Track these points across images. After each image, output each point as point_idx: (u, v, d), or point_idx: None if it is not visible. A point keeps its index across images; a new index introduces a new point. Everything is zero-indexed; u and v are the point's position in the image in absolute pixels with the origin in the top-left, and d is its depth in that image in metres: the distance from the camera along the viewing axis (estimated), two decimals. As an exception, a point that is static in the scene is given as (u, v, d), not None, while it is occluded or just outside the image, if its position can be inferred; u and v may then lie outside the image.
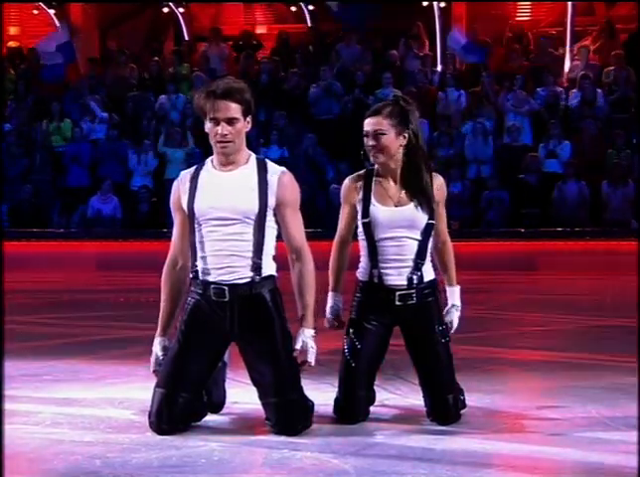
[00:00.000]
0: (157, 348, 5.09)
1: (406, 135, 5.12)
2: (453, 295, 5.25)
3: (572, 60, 19.81)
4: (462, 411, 5.23)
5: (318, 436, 4.91)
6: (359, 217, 5.20)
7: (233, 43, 21.30)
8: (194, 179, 5.04)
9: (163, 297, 5.17)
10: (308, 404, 5.04)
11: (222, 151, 4.99)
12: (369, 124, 5.15)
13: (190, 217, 5.02)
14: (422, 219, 5.13)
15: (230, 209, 4.95)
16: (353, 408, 5.17)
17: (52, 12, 22.03)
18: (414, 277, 5.14)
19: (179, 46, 21.77)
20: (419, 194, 5.13)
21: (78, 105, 19.50)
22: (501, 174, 17.34)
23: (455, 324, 5.21)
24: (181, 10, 21.93)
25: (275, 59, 20.36)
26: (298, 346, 4.98)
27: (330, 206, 17.75)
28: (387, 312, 5.14)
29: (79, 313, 10.32)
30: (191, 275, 5.09)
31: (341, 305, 5.25)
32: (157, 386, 5.00)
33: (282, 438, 4.86)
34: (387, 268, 5.15)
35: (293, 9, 21.44)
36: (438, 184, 5.19)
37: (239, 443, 4.81)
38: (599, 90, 18.55)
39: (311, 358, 4.99)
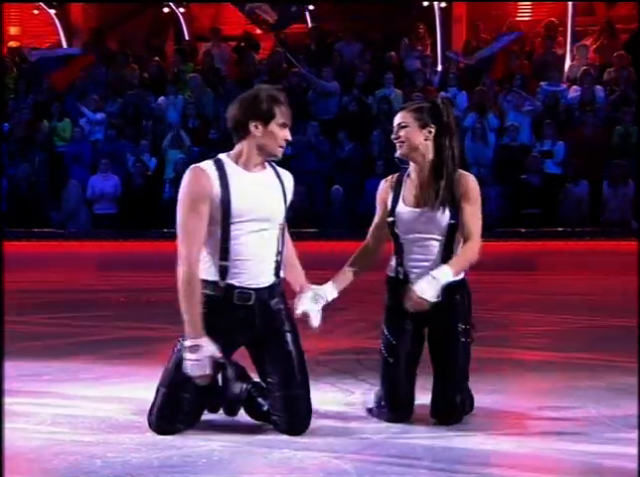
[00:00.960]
0: (212, 348, 4.84)
1: (432, 130, 5.15)
2: (439, 270, 5.08)
3: (572, 59, 19.84)
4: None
5: (318, 436, 4.91)
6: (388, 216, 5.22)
7: (235, 44, 21.34)
8: (223, 175, 4.95)
9: (194, 297, 4.90)
10: (311, 406, 5.02)
11: (278, 154, 5.01)
12: (396, 119, 5.26)
13: (223, 214, 4.90)
14: (443, 219, 5.13)
15: (269, 212, 4.95)
16: (400, 405, 5.18)
17: (52, 12, 22.05)
18: None
19: (180, 45, 21.79)
20: (441, 193, 5.13)
21: (77, 106, 19.53)
22: (501, 174, 17.35)
23: (422, 289, 4.99)
24: (181, 10, 21.96)
25: (275, 58, 20.38)
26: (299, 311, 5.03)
27: (330, 206, 17.82)
28: None
29: (78, 313, 10.32)
30: (205, 275, 4.96)
31: (324, 295, 5.16)
32: (161, 385, 5.00)
33: (283, 437, 4.88)
34: (412, 268, 5.18)
35: (293, 9, 21.41)
36: (465, 183, 5.18)
37: (239, 443, 4.81)
38: (600, 88, 18.59)
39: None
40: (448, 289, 5.10)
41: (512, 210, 17.11)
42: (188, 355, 4.82)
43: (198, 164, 5.03)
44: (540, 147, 17.70)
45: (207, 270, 4.96)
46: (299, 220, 16.13)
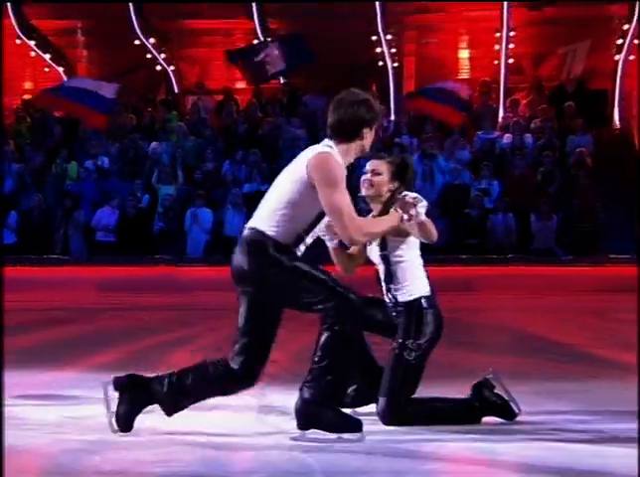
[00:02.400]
0: None
1: (396, 185, 5.21)
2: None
3: (505, 111, 19.99)
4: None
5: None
6: None
7: (216, 97, 21.40)
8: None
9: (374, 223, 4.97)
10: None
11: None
12: (371, 164, 5.28)
13: None
14: (375, 250, 5.21)
15: None
16: None
17: (60, 69, 22.04)
18: (389, 297, 5.20)
19: (166, 97, 21.82)
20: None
21: (83, 150, 19.49)
22: (445, 209, 17.37)
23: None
24: (172, 68, 21.99)
25: (252, 109, 20.42)
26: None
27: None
28: None
29: (81, 327, 10.28)
30: (281, 238, 4.78)
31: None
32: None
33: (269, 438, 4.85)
34: (381, 287, 5.29)
35: (268, 67, 21.48)
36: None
37: (230, 440, 4.78)
38: (528, 135, 18.74)
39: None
40: (396, 310, 5.15)
41: (455, 239, 17.13)
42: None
43: (329, 151, 4.81)
44: (478, 186, 17.78)
45: (285, 234, 4.80)
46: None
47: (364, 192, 5.24)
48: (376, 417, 5.13)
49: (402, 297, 5.18)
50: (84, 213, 18.02)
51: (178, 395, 4.88)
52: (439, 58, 21.87)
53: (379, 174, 5.23)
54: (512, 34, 20.21)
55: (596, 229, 16.66)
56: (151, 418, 5.26)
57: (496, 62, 20.63)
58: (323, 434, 4.75)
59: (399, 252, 5.19)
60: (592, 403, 5.68)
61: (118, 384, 4.88)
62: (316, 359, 4.76)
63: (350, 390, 5.23)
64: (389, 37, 20.53)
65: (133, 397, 4.86)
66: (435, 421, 5.10)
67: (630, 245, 16.03)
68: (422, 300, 5.17)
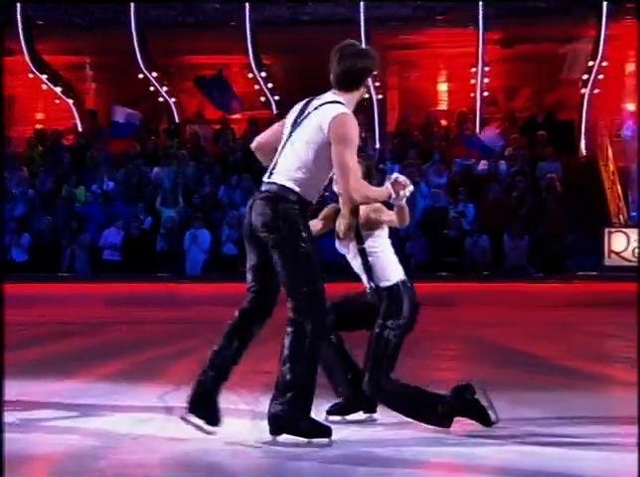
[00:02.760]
0: None
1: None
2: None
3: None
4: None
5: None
6: None
7: (214, 126, 21.44)
8: None
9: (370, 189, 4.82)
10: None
11: None
12: None
13: None
14: (352, 246, 5.21)
15: None
16: None
17: (70, 101, 22.04)
18: (371, 285, 5.19)
19: (168, 126, 21.83)
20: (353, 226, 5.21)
21: (90, 176, 19.47)
22: (426, 230, 17.36)
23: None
24: (173, 99, 22.01)
25: (247, 138, 20.45)
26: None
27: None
28: None
29: (89, 339, 10.23)
30: (307, 195, 4.69)
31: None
32: None
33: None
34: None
35: (262, 99, 21.55)
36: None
37: (231, 444, 4.75)
38: (502, 162, 18.79)
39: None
40: (378, 296, 5.17)
41: (434, 258, 17.13)
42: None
43: (348, 111, 4.69)
44: (455, 208, 17.80)
45: (307, 190, 4.70)
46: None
47: (335, 188, 5.16)
48: (360, 425, 5.11)
49: (383, 284, 5.18)
50: (91, 234, 17.98)
51: None
52: (420, 90, 21.96)
53: None
54: (486, 69, 20.31)
55: (563, 248, 16.68)
56: (153, 425, 5.23)
57: (472, 94, 20.71)
58: (295, 439, 4.70)
59: (374, 245, 5.20)
60: (565, 411, 5.67)
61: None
62: (282, 369, 4.68)
63: (339, 400, 5.23)
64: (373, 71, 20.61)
65: None
66: (413, 408, 5.11)
67: (596, 263, 16.09)
68: (400, 284, 5.19)
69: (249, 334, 4.87)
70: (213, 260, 17.21)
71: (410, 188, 4.88)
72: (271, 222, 4.61)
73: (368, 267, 5.19)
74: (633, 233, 16.35)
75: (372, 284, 5.21)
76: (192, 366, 7.68)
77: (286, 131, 4.78)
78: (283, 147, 4.73)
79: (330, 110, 4.66)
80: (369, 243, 5.20)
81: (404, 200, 4.91)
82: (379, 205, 5.08)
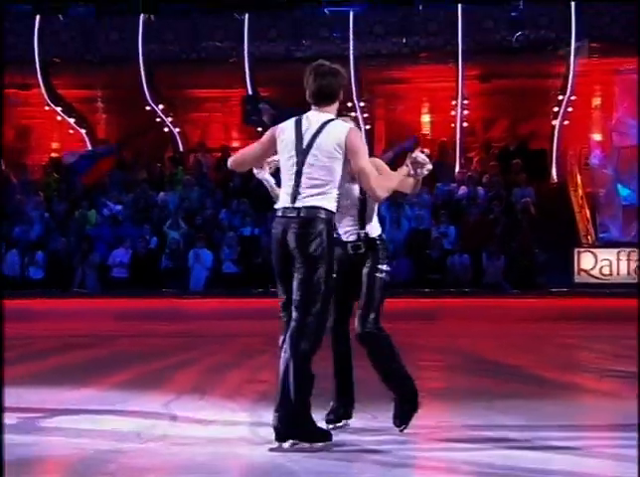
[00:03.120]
0: None
1: None
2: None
3: (461, 167, 20.11)
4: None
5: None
6: None
7: (215, 154, 21.49)
8: None
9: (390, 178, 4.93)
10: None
11: None
12: None
13: None
14: (356, 192, 5.15)
15: None
16: None
17: (83, 131, 22.08)
18: (362, 234, 5.21)
19: (173, 155, 21.85)
20: None
21: (100, 201, 19.49)
22: (410, 250, 17.43)
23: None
24: (177, 130, 22.05)
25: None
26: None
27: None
28: None
29: (99, 351, 10.20)
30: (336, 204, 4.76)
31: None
32: None
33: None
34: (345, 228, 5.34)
35: (260, 129, 21.58)
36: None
37: (228, 445, 4.74)
38: (480, 188, 18.85)
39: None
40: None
41: (418, 276, 17.17)
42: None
43: (352, 125, 4.74)
44: (437, 230, 17.85)
45: (332, 202, 4.68)
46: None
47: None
48: (350, 430, 5.12)
49: (372, 234, 5.24)
50: (100, 253, 17.97)
51: None
52: (405, 122, 22.05)
53: None
54: (465, 102, 20.40)
55: (536, 266, 16.72)
56: (158, 430, 5.22)
57: (452, 125, 20.79)
58: (299, 444, 4.71)
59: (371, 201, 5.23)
60: (537, 418, 5.66)
61: None
62: (280, 385, 4.64)
63: (331, 409, 5.23)
64: (361, 104, 20.66)
65: None
66: (390, 365, 5.12)
67: (566, 281, 16.12)
68: (382, 236, 5.31)
69: None
70: (214, 278, 17.21)
71: (429, 166, 4.93)
72: (308, 244, 4.58)
73: (363, 216, 5.20)
74: (600, 252, 16.41)
75: (362, 233, 5.22)
76: (194, 376, 7.70)
77: (292, 156, 4.66)
78: (300, 171, 4.63)
79: (337, 130, 4.65)
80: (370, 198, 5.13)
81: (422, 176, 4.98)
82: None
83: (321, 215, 4.59)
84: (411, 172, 4.90)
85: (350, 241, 5.24)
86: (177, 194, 19.50)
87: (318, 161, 4.60)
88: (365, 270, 5.19)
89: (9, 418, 5.54)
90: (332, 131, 4.63)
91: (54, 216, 19.29)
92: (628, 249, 16.21)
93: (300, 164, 4.61)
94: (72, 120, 21.84)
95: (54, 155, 22.40)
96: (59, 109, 21.34)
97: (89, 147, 21.97)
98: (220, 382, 7.18)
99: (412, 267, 17.19)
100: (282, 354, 4.68)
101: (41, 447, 4.83)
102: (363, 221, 5.22)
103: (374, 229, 5.29)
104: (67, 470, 4.47)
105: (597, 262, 16.16)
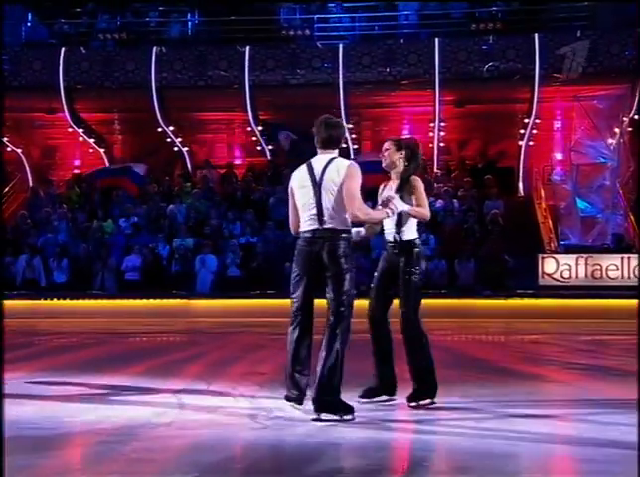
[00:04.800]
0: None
1: (403, 153, 5.60)
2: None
3: (438, 182, 20.12)
4: None
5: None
6: None
7: (220, 171, 21.48)
8: None
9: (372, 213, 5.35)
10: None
11: None
12: (383, 146, 5.70)
13: None
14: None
15: None
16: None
17: (102, 151, 22.06)
18: (396, 237, 5.52)
19: (182, 171, 21.83)
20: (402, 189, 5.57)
21: (117, 211, 19.45)
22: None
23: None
24: (185, 149, 22.04)
25: (247, 180, 20.51)
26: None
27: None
28: None
29: (114, 346, 10.18)
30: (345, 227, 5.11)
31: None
32: None
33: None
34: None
35: (259, 148, 21.61)
36: (413, 184, 5.58)
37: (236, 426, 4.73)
38: (456, 201, 18.86)
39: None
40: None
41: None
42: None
43: (352, 163, 5.14)
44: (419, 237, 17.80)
45: (347, 224, 5.09)
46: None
47: (383, 164, 5.62)
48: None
49: (406, 237, 5.45)
50: (116, 259, 17.91)
51: None
52: (388, 142, 22.07)
53: (387, 149, 5.60)
54: (442, 125, 20.45)
55: (503, 270, 16.72)
56: (169, 416, 5.21)
57: (431, 145, 20.83)
58: (330, 416, 4.86)
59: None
60: (507, 404, 5.67)
61: None
62: (321, 361, 4.95)
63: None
64: (350, 125, 20.71)
65: None
66: (421, 362, 5.43)
67: (531, 283, 16.14)
68: (417, 241, 5.55)
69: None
70: (219, 281, 17.17)
71: (396, 199, 5.35)
72: (338, 259, 5.01)
73: (400, 222, 5.43)
74: (561, 258, 16.45)
75: (397, 236, 5.43)
76: (200, 368, 7.69)
77: (309, 190, 5.10)
78: (319, 201, 5.06)
79: (342, 165, 5.10)
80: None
81: (401, 207, 5.35)
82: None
83: (343, 234, 5.08)
84: (388, 212, 5.24)
85: (388, 242, 5.51)
86: (185, 205, 19.47)
87: (331, 191, 5.07)
88: (400, 270, 5.41)
89: (34, 406, 5.54)
90: (338, 168, 5.10)
91: (75, 225, 19.25)
92: (586, 255, 16.25)
93: (317, 196, 5.09)
94: (92, 141, 21.81)
95: (75, 171, 22.38)
96: (80, 131, 21.31)
97: (107, 165, 21.94)
98: (223, 373, 7.18)
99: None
100: (288, 337, 5.11)
101: (64, 430, 4.82)
102: (399, 225, 5.42)
103: (409, 232, 5.48)
104: (86, 453, 4.46)
105: (559, 267, 16.18)
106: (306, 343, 5.10)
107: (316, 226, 5.03)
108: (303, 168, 5.18)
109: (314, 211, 5.04)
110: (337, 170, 5.05)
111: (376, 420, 5.05)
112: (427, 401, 5.38)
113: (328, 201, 5.02)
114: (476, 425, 4.87)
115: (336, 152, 5.17)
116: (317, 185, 5.05)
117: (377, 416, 5.16)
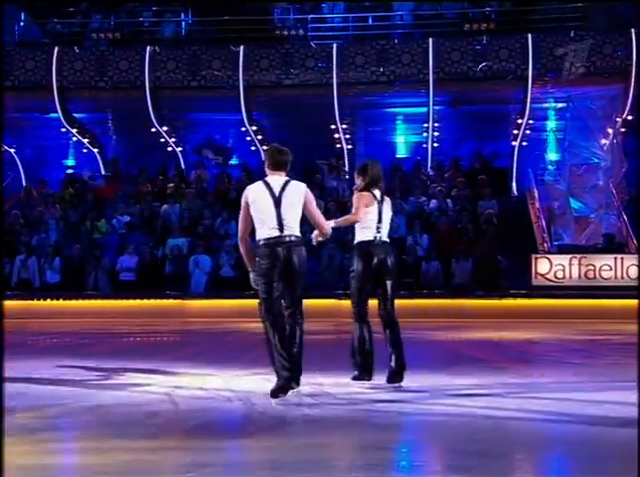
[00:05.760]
0: None
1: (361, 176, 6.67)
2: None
3: (432, 182, 20.21)
4: None
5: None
6: None
7: (214, 171, 21.55)
8: None
9: None
10: None
11: None
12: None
13: None
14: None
15: None
16: None
17: (96, 150, 22.10)
18: (378, 236, 6.66)
19: (177, 171, 21.90)
20: None
21: (109, 211, 19.54)
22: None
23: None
24: (179, 149, 22.12)
25: (241, 181, 20.58)
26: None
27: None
28: None
29: (109, 346, 10.26)
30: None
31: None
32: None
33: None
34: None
35: (252, 148, 21.69)
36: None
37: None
38: (449, 201, 18.96)
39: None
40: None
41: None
42: None
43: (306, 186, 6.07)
44: (412, 238, 17.93)
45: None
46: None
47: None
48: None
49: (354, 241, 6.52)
50: (109, 259, 17.99)
51: None
52: (382, 142, 22.22)
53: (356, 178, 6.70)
54: (436, 125, 20.57)
55: (497, 271, 16.85)
56: (166, 415, 5.30)
57: (424, 145, 20.96)
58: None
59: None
60: (496, 396, 5.78)
61: None
62: (295, 350, 5.81)
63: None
64: (344, 126, 20.83)
65: None
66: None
67: (525, 283, 16.27)
68: (361, 243, 6.52)
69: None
70: (213, 281, 17.26)
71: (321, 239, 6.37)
72: (302, 260, 5.89)
73: (380, 222, 6.53)
74: (555, 258, 16.58)
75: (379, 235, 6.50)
76: (195, 367, 7.77)
77: (271, 203, 5.85)
78: (280, 213, 5.84)
79: (301, 189, 5.99)
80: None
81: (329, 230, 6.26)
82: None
83: (301, 240, 5.94)
84: (320, 239, 6.30)
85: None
86: (179, 206, 19.55)
87: (291, 206, 5.90)
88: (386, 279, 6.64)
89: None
90: (296, 188, 5.97)
91: (68, 225, 19.31)
92: (579, 255, 16.39)
93: (278, 208, 5.86)
94: (85, 141, 21.89)
95: (69, 171, 22.45)
96: (74, 131, 21.39)
97: (102, 165, 22.03)
98: (217, 373, 7.28)
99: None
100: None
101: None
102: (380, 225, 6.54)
103: (357, 236, 6.53)
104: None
105: (552, 267, 16.32)
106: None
107: (277, 233, 5.81)
108: (260, 185, 5.93)
109: (275, 222, 5.80)
110: (297, 191, 5.92)
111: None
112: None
113: (289, 215, 5.84)
114: (455, 411, 4.98)
115: (284, 173, 5.98)
116: (277, 200, 5.84)
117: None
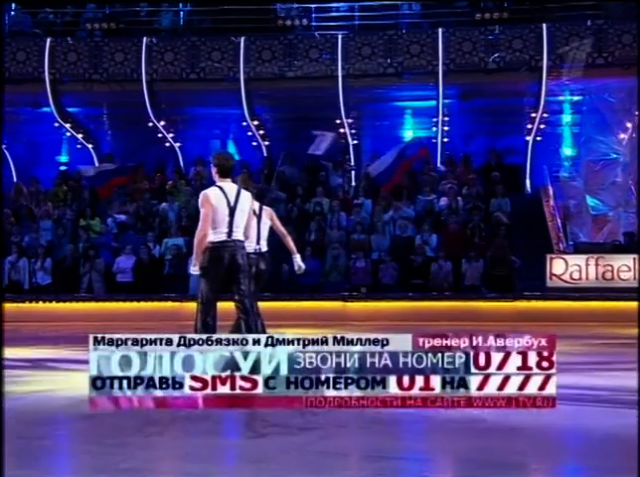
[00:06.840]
0: None
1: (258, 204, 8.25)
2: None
3: (441, 179, 20.20)
4: None
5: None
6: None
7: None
8: None
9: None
10: None
11: None
12: None
13: None
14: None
15: None
16: None
17: (90, 146, 22.16)
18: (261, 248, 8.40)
19: (175, 168, 21.94)
20: None
21: (104, 210, 19.57)
22: (396, 256, 17.49)
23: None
24: (178, 144, 22.17)
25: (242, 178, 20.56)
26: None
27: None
28: None
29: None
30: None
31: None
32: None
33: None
34: None
35: (254, 143, 21.72)
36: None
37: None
38: (460, 199, 18.95)
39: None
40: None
41: (403, 280, 17.25)
42: None
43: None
44: (420, 238, 17.94)
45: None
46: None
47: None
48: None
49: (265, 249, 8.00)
50: (105, 260, 18.01)
51: None
52: (389, 137, 22.21)
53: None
54: (446, 119, 20.58)
55: (510, 271, 16.85)
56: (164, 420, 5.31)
57: (434, 140, 20.97)
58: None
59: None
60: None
61: None
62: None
63: None
64: (349, 120, 20.84)
65: None
66: None
67: (539, 285, 16.27)
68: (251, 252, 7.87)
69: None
70: (212, 283, 17.23)
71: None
72: (244, 260, 6.75)
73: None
74: (570, 258, 16.58)
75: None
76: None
77: (227, 211, 6.61)
78: (232, 219, 6.63)
79: (248, 196, 6.83)
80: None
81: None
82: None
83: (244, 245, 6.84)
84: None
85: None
86: (177, 204, 19.57)
87: (241, 214, 6.72)
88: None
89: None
90: (247, 198, 6.83)
91: (61, 224, 19.33)
92: (596, 255, 16.37)
93: (232, 215, 6.64)
94: (79, 136, 21.93)
95: (62, 168, 22.49)
96: (67, 126, 21.43)
97: (96, 162, 22.06)
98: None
99: (397, 272, 17.28)
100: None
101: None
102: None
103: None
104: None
105: (568, 268, 16.31)
106: None
107: (225, 238, 6.55)
108: (217, 190, 6.62)
109: (226, 228, 6.54)
110: (247, 200, 6.76)
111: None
112: None
113: (239, 222, 6.61)
114: (476, 425, 4.99)
115: (230, 180, 6.71)
116: (231, 208, 6.57)
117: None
